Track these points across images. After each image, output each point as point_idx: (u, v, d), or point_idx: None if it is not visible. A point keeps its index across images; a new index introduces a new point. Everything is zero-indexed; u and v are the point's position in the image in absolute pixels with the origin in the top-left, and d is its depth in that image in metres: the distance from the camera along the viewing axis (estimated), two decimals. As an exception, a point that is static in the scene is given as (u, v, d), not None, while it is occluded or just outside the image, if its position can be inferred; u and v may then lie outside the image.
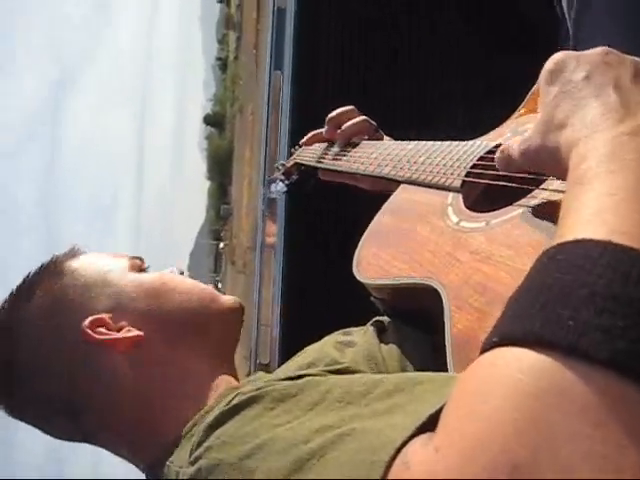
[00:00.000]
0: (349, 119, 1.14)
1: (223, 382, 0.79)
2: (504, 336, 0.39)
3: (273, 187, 1.35)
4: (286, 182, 1.31)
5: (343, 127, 1.14)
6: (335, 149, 1.14)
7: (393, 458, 0.42)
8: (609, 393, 0.34)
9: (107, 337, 0.81)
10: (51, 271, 0.88)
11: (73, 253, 0.91)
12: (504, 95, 0.91)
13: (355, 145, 1.11)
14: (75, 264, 0.88)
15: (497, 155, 0.63)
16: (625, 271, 0.37)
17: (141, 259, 0.92)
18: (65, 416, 0.82)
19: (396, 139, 1.07)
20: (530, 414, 0.35)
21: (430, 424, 0.43)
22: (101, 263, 0.89)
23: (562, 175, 0.51)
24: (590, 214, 0.43)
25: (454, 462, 0.36)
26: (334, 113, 1.17)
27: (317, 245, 2.36)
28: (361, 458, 0.45)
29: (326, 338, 0.87)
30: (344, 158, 1.09)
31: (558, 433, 0.34)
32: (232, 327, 0.88)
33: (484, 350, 0.40)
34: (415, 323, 0.86)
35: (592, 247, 0.40)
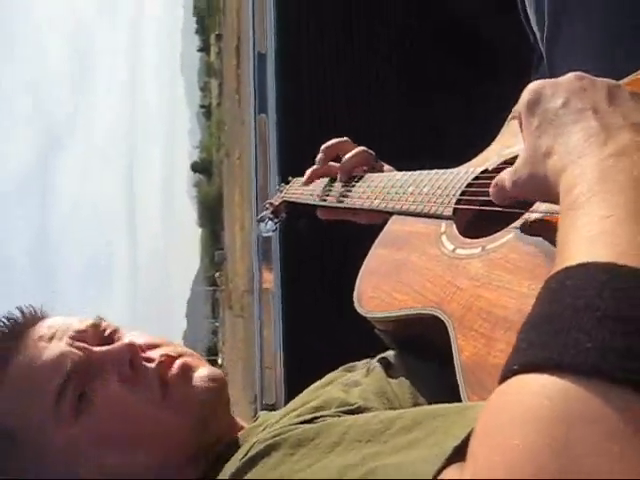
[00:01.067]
0: (345, 150, 1.09)
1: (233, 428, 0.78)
2: (524, 364, 0.39)
3: (262, 226, 1.33)
4: (275, 220, 1.28)
5: (343, 161, 1.09)
6: (336, 185, 1.10)
7: None
8: (631, 411, 0.35)
9: None
10: (13, 333, 0.81)
11: (37, 317, 0.82)
12: (487, 119, 0.91)
13: (359, 179, 1.06)
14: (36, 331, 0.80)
15: (491, 189, 0.63)
16: (632, 293, 0.38)
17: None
18: None
19: (397, 168, 1.04)
20: (561, 438, 0.36)
21: (455, 455, 0.43)
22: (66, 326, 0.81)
23: (554, 202, 0.52)
24: (590, 237, 0.44)
25: None
26: (329, 143, 1.12)
27: (314, 283, 2.35)
28: None
29: (330, 376, 0.86)
30: (349, 194, 1.05)
31: (591, 457, 0.35)
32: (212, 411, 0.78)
33: (504, 378, 0.41)
34: (420, 353, 0.85)
35: (598, 270, 0.41)
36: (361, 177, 1.05)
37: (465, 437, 0.42)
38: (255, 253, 2.57)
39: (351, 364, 0.89)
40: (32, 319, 0.84)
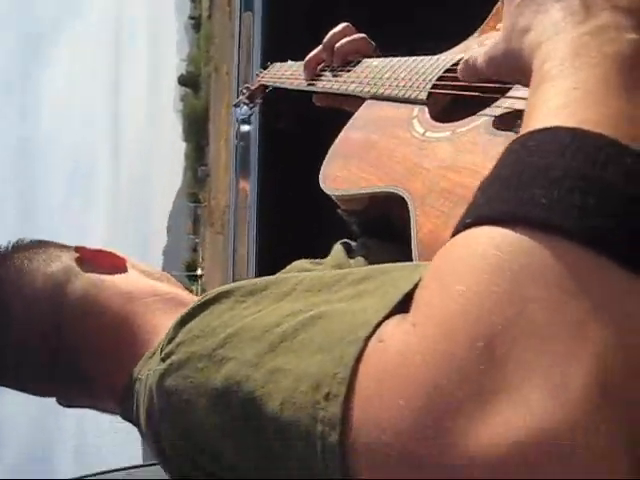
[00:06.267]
0: (345, 36, 1.05)
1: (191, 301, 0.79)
2: (477, 217, 0.39)
3: (237, 111, 1.35)
4: (250, 105, 1.31)
5: (337, 45, 1.05)
6: (327, 70, 1.07)
7: (369, 337, 0.41)
8: (583, 266, 0.35)
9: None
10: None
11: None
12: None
13: (356, 64, 1.02)
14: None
15: (460, 66, 0.63)
16: (595, 155, 0.38)
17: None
18: (42, 358, 0.82)
19: None
20: (507, 287, 0.35)
21: (402, 307, 0.42)
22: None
23: (527, 81, 0.51)
24: (557, 106, 0.43)
25: (431, 334, 0.37)
26: (329, 36, 1.07)
27: (291, 195, 2.32)
28: (337, 337, 0.45)
29: (293, 263, 0.88)
30: (339, 79, 1.03)
31: (534, 304, 0.34)
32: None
33: (456, 232, 0.41)
34: (383, 235, 0.87)
35: (563, 134, 0.40)
36: (357, 62, 1.02)
37: (412, 289, 0.42)
38: (233, 166, 2.53)
39: (315, 259, 0.91)
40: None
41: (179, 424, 0.60)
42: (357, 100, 0.98)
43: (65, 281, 0.84)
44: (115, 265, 0.86)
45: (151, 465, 1.30)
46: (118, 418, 0.82)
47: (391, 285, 0.47)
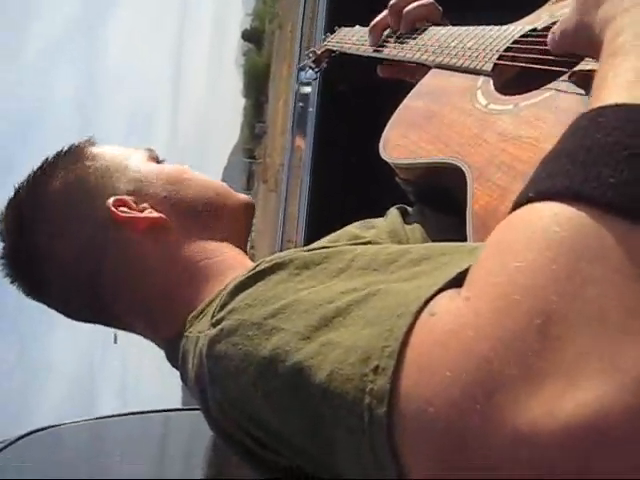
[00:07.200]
0: (412, 1, 1.05)
1: (243, 265, 0.80)
2: (540, 191, 0.38)
3: (302, 74, 1.37)
4: (316, 69, 1.31)
5: (405, 10, 1.04)
6: (393, 37, 1.06)
7: (420, 310, 0.41)
8: None
9: (132, 215, 0.84)
10: (71, 154, 0.93)
11: (91, 141, 0.95)
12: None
13: (423, 31, 1.01)
14: (95, 150, 0.93)
15: (549, 37, 0.61)
16: None
17: (155, 152, 0.95)
18: (86, 293, 0.86)
19: None
20: (566, 266, 0.34)
21: (457, 283, 0.41)
22: (121, 151, 0.93)
23: (596, 54, 0.49)
24: (629, 81, 0.41)
25: (485, 308, 0.36)
26: None
27: (346, 156, 2.30)
28: (388, 313, 0.44)
29: (346, 228, 0.88)
30: (405, 46, 1.02)
31: (594, 286, 0.33)
32: (245, 220, 0.92)
33: (517, 206, 0.40)
34: (440, 205, 0.85)
35: (635, 111, 0.38)
36: (424, 30, 1.01)
37: (468, 267, 0.41)
38: (290, 125, 2.52)
39: (367, 220, 0.91)
40: (91, 141, 0.95)
41: (227, 389, 0.60)
42: (421, 72, 0.96)
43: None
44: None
45: (191, 409, 1.33)
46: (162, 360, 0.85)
47: (448, 266, 0.47)
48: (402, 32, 1.03)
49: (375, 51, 1.07)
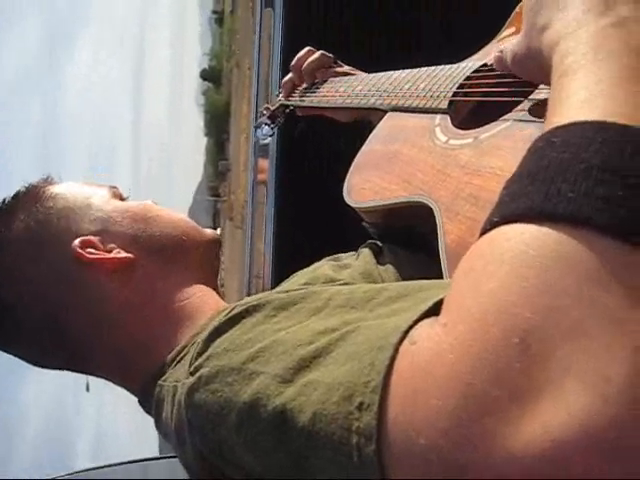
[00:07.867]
0: (307, 59, 1.23)
1: (215, 306, 0.79)
2: (505, 215, 0.39)
3: (259, 132, 1.37)
4: (271, 125, 1.32)
5: (303, 67, 1.23)
6: (310, 89, 1.20)
7: (400, 341, 0.41)
8: (614, 258, 0.34)
9: (99, 256, 0.82)
10: (29, 195, 0.90)
11: (50, 180, 0.92)
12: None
13: (326, 81, 1.17)
14: (54, 189, 0.91)
15: (495, 54, 0.62)
16: (620, 146, 0.37)
17: (118, 189, 0.93)
18: (56, 340, 0.84)
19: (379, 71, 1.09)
20: (538, 282, 0.35)
21: (436, 312, 0.42)
22: (82, 189, 0.91)
23: (548, 80, 0.50)
24: (580, 101, 0.43)
25: (463, 332, 0.36)
26: (294, 60, 1.24)
27: (309, 194, 2.31)
28: (368, 347, 0.44)
29: (316, 264, 0.88)
30: (320, 94, 1.14)
31: (567, 298, 0.34)
32: (213, 256, 0.90)
33: (484, 232, 0.40)
34: (408, 245, 0.87)
35: (587, 128, 0.39)
36: (327, 80, 1.18)
37: (444, 296, 0.42)
38: (251, 159, 2.53)
39: (336, 255, 0.91)
40: (48, 180, 0.90)
41: (207, 437, 0.59)
42: (339, 110, 1.05)
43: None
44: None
45: (168, 457, 1.31)
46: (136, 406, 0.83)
47: (426, 300, 0.47)
48: (306, 85, 1.20)
49: (329, 101, 1.15)
